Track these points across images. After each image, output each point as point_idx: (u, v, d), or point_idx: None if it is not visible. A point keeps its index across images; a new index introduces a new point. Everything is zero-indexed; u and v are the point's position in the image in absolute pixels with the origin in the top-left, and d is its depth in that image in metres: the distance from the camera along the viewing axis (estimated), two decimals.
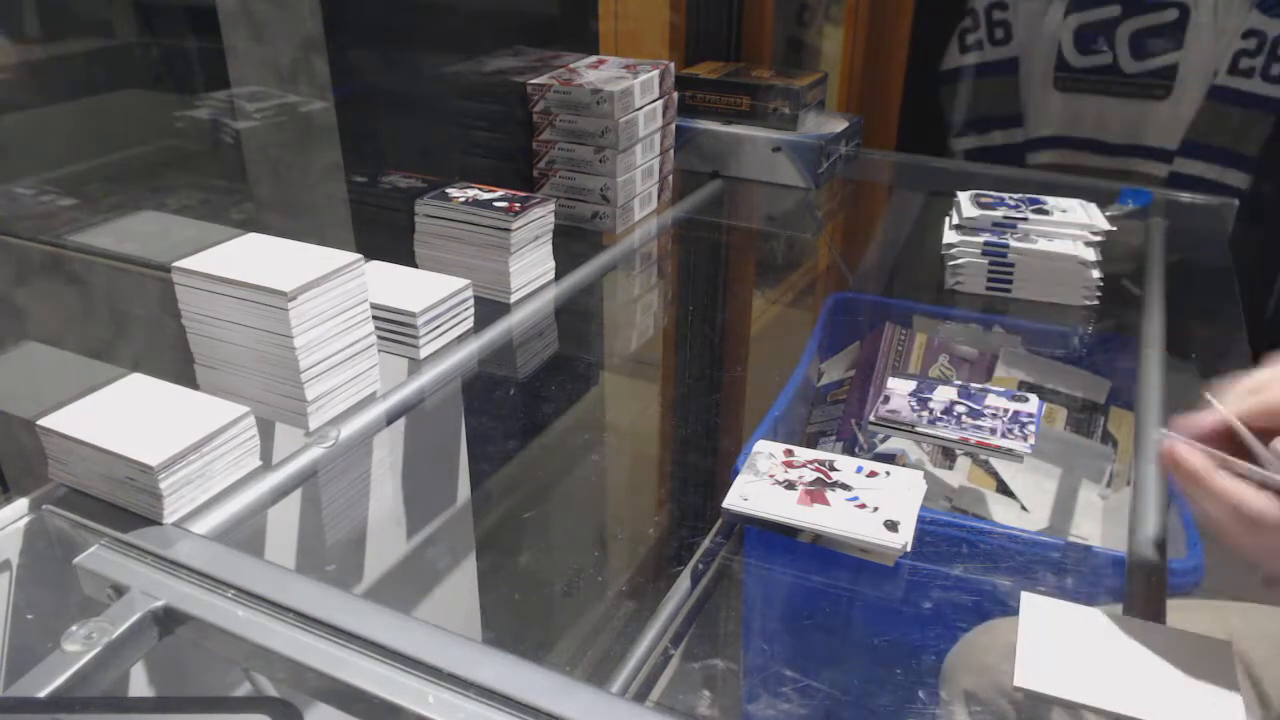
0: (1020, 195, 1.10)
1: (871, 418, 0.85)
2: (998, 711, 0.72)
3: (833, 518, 0.67)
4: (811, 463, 0.74)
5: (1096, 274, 1.01)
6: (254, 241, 0.73)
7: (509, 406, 0.99)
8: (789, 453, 0.75)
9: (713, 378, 1.48)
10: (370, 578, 1.00)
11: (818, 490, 0.70)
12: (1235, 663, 0.54)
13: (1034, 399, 0.84)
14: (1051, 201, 1.08)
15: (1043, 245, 1.02)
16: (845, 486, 0.71)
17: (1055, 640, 0.56)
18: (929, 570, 0.74)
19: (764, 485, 0.71)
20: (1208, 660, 0.54)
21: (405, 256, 0.94)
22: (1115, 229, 1.05)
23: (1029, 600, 0.59)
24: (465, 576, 1.17)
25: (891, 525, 0.67)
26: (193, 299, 0.70)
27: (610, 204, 1.08)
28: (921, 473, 0.73)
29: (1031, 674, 0.54)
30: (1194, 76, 1.71)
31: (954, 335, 1.24)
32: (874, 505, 0.69)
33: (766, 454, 0.74)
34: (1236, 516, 0.50)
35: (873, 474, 0.72)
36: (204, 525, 0.62)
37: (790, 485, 0.71)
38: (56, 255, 0.84)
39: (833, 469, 0.73)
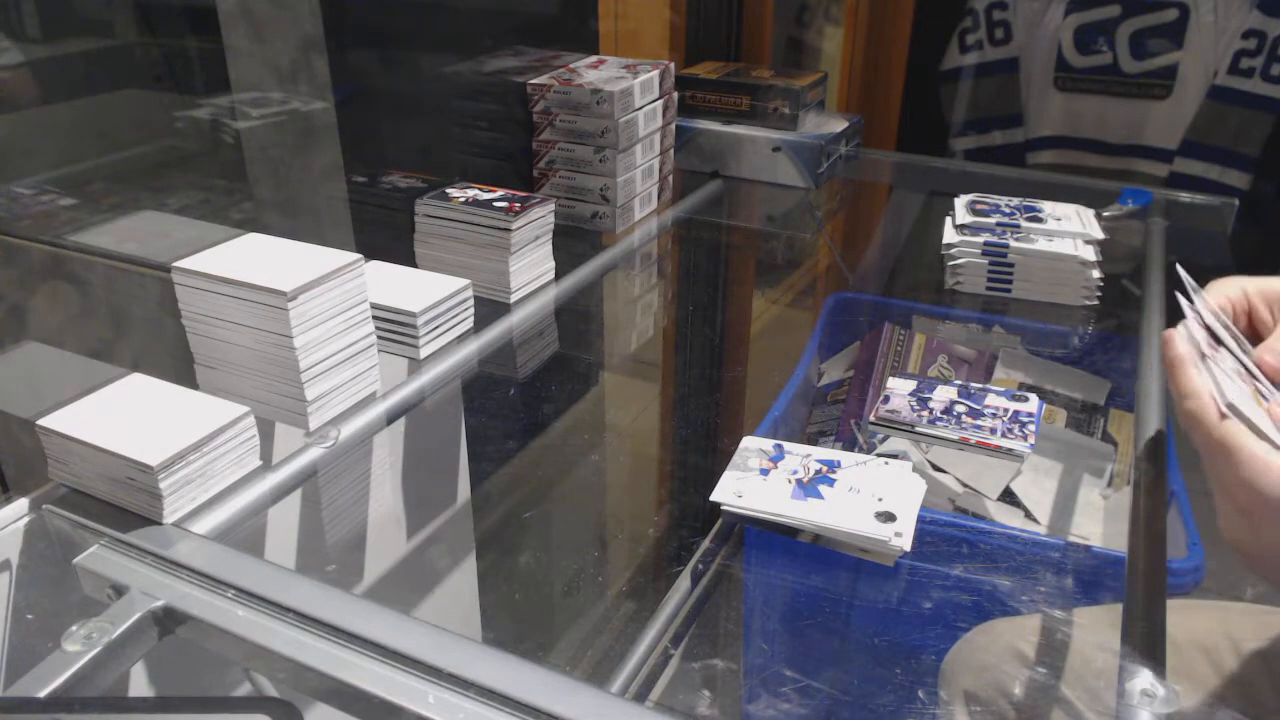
0: (1017, 202, 1.10)
1: (871, 418, 0.84)
2: (997, 711, 0.72)
3: (827, 511, 0.67)
4: (801, 456, 0.73)
5: (1096, 274, 1.01)
6: (254, 241, 0.73)
7: (509, 406, 0.99)
8: (778, 448, 0.75)
9: (712, 378, 1.48)
10: (370, 578, 1.00)
11: (810, 483, 0.70)
12: None
13: (1034, 399, 0.84)
14: (1047, 209, 1.08)
15: (1043, 245, 1.01)
16: (836, 478, 0.70)
17: None
18: (929, 570, 0.74)
19: (754, 480, 0.70)
20: None
21: (405, 256, 0.94)
22: (1110, 238, 1.04)
23: None
24: (465, 576, 1.17)
25: (887, 516, 0.66)
26: (193, 299, 0.70)
27: (610, 204, 1.08)
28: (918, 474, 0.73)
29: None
30: (1194, 76, 1.71)
31: (953, 335, 1.24)
32: (868, 493, 0.68)
33: (756, 449, 0.74)
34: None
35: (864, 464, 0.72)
36: (204, 525, 0.62)
37: (783, 479, 0.71)
38: (56, 255, 0.84)
39: (823, 462, 0.73)
